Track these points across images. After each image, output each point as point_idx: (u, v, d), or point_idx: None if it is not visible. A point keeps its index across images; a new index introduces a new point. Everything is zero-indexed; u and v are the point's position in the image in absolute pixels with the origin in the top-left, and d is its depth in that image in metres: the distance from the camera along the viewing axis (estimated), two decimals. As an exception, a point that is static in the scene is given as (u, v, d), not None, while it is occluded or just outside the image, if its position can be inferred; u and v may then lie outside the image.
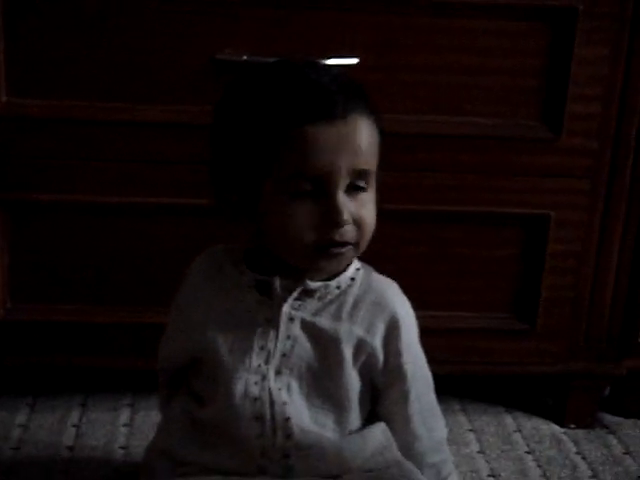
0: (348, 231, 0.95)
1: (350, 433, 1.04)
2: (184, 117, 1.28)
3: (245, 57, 1.26)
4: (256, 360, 1.01)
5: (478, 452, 1.41)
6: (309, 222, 0.94)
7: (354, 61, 1.27)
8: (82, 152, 1.30)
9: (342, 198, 0.94)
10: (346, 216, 0.94)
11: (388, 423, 1.06)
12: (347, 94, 0.94)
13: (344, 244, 0.96)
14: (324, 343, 1.01)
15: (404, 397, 1.05)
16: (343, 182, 0.94)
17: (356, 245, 0.97)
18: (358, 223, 0.96)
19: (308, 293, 1.02)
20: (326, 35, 1.28)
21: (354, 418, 1.04)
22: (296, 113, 0.92)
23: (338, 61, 1.25)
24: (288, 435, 1.00)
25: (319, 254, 0.96)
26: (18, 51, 1.26)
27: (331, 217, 0.94)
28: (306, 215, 0.94)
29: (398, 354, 1.04)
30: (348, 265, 1.03)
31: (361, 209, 0.96)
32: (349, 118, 0.93)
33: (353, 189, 0.95)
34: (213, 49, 1.27)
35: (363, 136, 0.94)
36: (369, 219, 0.97)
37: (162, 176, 1.32)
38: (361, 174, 0.95)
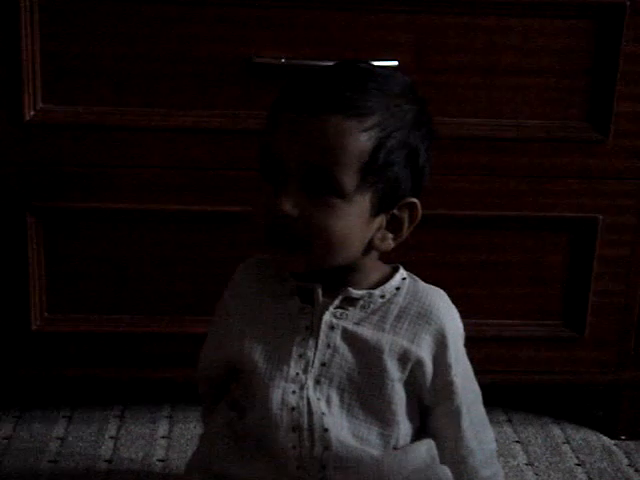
0: (293, 225, 0.92)
1: (396, 449, 1.00)
2: (216, 122, 1.26)
3: (283, 60, 1.24)
4: (294, 369, 0.98)
5: (526, 464, 1.37)
6: (264, 207, 0.94)
7: (394, 63, 1.24)
8: (117, 159, 1.28)
9: (294, 191, 0.91)
10: (288, 207, 0.91)
11: (439, 438, 1.02)
12: (345, 98, 0.90)
13: (290, 245, 0.93)
14: (366, 354, 0.98)
15: (456, 411, 1.01)
16: (297, 173, 0.91)
17: (308, 250, 0.93)
18: (307, 222, 0.92)
19: (351, 302, 0.99)
20: (365, 37, 1.25)
21: (403, 434, 1.00)
22: (278, 101, 0.94)
23: (377, 64, 1.22)
24: (326, 447, 0.97)
25: (269, 241, 0.95)
26: (53, 57, 1.24)
27: (274, 201, 0.92)
28: (263, 199, 0.94)
29: (448, 367, 1.00)
30: (394, 274, 1.01)
31: (319, 211, 0.92)
32: (323, 117, 0.90)
33: (318, 192, 0.91)
34: (250, 53, 1.24)
35: (331, 137, 0.90)
36: (325, 224, 0.92)
37: (198, 183, 1.30)
38: (320, 173, 0.91)
